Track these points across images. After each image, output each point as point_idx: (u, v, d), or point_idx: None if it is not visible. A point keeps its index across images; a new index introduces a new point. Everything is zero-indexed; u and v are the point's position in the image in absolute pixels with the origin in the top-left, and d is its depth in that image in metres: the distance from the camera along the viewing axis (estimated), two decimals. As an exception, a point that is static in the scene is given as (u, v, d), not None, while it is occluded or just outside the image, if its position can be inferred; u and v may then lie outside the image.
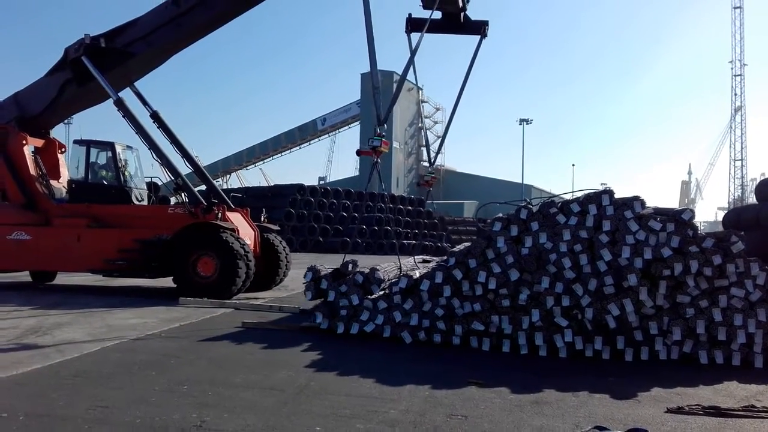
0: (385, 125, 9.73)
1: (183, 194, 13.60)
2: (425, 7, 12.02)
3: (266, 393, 5.45)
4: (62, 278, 15.69)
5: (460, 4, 12.23)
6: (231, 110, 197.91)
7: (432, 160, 15.59)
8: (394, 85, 70.85)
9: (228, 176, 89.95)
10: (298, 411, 4.92)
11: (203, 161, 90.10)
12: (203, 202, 13.27)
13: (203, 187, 16.13)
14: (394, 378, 6.02)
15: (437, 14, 12.19)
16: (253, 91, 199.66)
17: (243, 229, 13.41)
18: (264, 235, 14.31)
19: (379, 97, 10.06)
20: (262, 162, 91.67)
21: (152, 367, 6.35)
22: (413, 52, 11.19)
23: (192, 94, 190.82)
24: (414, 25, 12.04)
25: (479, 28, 12.58)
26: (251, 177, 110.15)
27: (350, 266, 9.11)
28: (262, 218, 15.20)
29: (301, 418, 4.74)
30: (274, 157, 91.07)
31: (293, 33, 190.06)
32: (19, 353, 6.88)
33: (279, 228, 15.40)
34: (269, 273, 14.16)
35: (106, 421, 4.52)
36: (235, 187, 66.84)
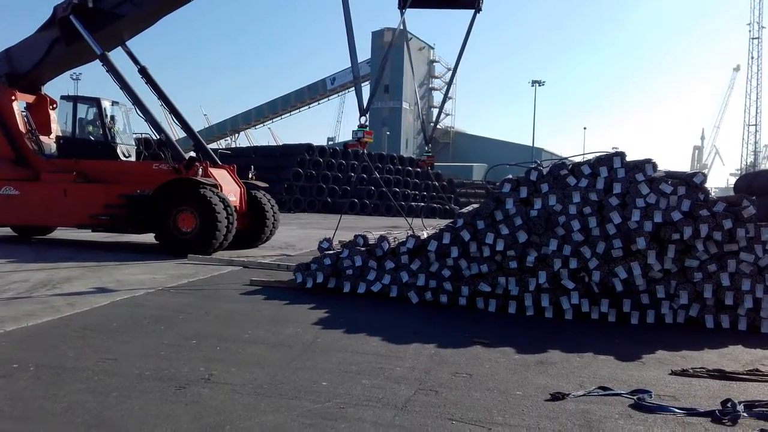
0: (367, 115, 9.79)
1: (167, 150, 13.67)
2: None
3: (273, 348, 5.51)
4: (72, 234, 15.82)
5: None
6: (240, 70, 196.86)
7: (429, 138, 15.69)
8: (404, 44, 70.24)
9: (237, 135, 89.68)
10: (305, 366, 4.97)
11: (212, 120, 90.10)
12: (185, 157, 13.29)
13: (214, 146, 16.14)
14: (401, 336, 6.07)
15: None
16: (261, 50, 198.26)
17: (227, 185, 13.45)
18: (251, 193, 14.32)
19: (360, 87, 10.06)
20: (270, 121, 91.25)
21: (161, 321, 6.42)
22: (401, 34, 11.21)
23: (201, 50, 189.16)
24: (407, 0, 11.88)
25: (473, 2, 12.35)
26: (260, 136, 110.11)
27: (325, 243, 9.19)
28: (250, 175, 15.16)
29: (307, 372, 4.79)
30: (283, 116, 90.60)
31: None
32: (29, 306, 6.96)
33: (266, 185, 15.35)
34: (256, 230, 14.22)
35: (115, 373, 4.58)
36: (244, 146, 66.70)
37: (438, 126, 57.23)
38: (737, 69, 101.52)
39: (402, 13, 11.78)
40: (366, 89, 74.45)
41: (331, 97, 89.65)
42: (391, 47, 11.98)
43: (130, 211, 12.76)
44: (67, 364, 4.80)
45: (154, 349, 5.29)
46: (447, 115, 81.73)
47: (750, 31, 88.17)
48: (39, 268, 9.87)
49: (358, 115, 9.78)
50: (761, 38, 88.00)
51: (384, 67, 16.23)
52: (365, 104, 9.81)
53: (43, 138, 14.40)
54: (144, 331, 5.99)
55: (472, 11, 12.30)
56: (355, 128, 9.78)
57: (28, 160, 13.80)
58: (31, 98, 14.69)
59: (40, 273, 9.38)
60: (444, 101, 18.71)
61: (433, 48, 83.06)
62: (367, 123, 9.87)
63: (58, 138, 14.42)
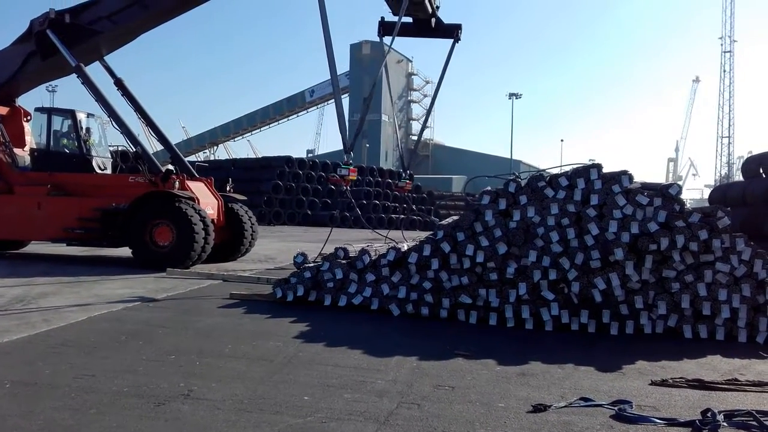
0: (352, 153, 9.89)
1: (143, 163, 13.58)
2: (394, 13, 12.05)
3: (254, 363, 5.46)
4: (47, 248, 15.59)
5: (430, 10, 12.23)
6: (219, 82, 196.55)
7: (407, 165, 16.02)
8: (382, 65, 70.54)
9: (215, 148, 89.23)
10: (287, 380, 4.93)
11: (191, 132, 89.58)
12: (162, 170, 13.23)
13: (192, 158, 16.11)
14: (382, 349, 6.05)
15: (408, 19, 12.25)
16: (240, 63, 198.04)
17: (204, 198, 13.38)
18: (229, 205, 14.27)
19: (345, 123, 10.14)
20: (249, 134, 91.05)
21: (139, 336, 6.33)
22: (384, 59, 11.44)
23: (181, 62, 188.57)
24: (386, 29, 12.07)
25: (452, 32, 12.53)
26: (239, 149, 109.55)
27: (301, 258, 9.15)
28: (228, 188, 15.12)
29: (289, 387, 4.75)
30: (261, 129, 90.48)
31: (282, 2, 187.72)
32: (5, 322, 6.84)
33: (245, 198, 15.33)
34: (234, 243, 14.16)
35: (92, 390, 4.51)
36: (223, 158, 66.34)
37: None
38: (697, 81, 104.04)
39: (382, 41, 11.96)
40: (346, 103, 74.56)
41: (310, 110, 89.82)
42: (372, 92, 12.17)
43: (104, 225, 12.64)
44: (44, 380, 4.71)
45: (132, 365, 5.21)
46: (426, 127, 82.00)
47: (722, 44, 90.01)
48: (14, 284, 9.70)
49: (343, 150, 9.89)
50: (733, 52, 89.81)
51: (368, 105, 16.66)
52: (350, 142, 9.93)
53: (16, 150, 14.19)
54: (122, 347, 5.91)
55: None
56: (341, 164, 9.92)
57: (2, 172, 13.63)
58: (4, 110, 14.52)
59: (15, 288, 9.23)
60: (424, 124, 19.24)
61: (411, 61, 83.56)
62: (352, 161, 9.95)
63: (32, 150, 14.26)
